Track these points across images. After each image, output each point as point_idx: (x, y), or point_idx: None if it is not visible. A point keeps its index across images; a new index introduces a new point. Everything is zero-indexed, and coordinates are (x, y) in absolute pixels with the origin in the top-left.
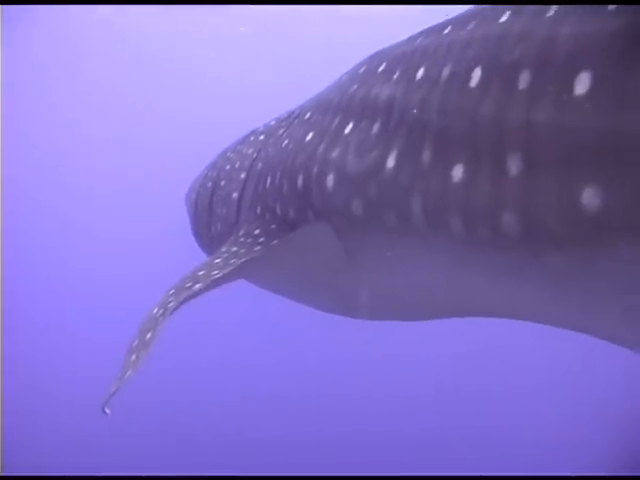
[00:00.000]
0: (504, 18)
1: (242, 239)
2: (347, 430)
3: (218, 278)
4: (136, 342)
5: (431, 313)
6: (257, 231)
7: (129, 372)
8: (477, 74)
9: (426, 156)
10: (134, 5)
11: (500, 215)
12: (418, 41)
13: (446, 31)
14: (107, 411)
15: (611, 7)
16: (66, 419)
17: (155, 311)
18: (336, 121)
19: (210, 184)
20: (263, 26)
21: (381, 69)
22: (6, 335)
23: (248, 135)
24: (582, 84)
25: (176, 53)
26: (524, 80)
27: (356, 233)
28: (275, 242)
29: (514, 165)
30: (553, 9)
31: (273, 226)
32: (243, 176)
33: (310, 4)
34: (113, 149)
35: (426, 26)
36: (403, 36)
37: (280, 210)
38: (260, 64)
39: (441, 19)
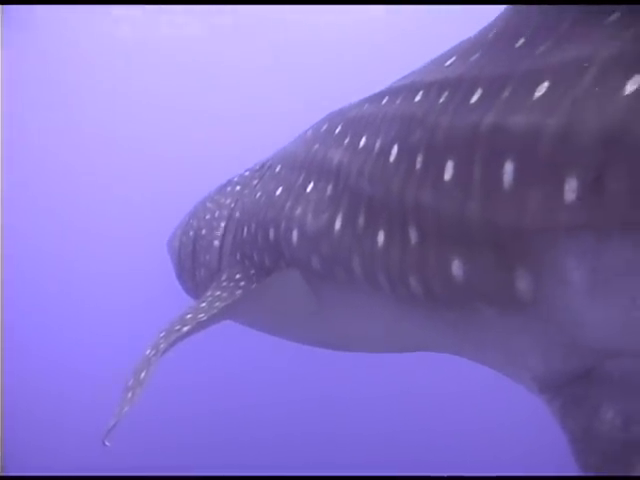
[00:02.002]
0: (418, 97)
1: (225, 283)
2: (334, 432)
3: (204, 321)
4: (131, 381)
5: (384, 349)
6: (238, 275)
7: (126, 408)
8: (394, 151)
9: (361, 221)
10: (135, 5)
11: (408, 277)
12: (365, 107)
13: (384, 101)
14: (107, 444)
15: (475, 99)
16: (66, 419)
17: (148, 352)
18: (300, 179)
19: (192, 233)
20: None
21: (337, 131)
22: (6, 333)
23: (225, 185)
24: (448, 171)
25: (178, 54)
26: (419, 162)
27: (319, 282)
28: (254, 286)
29: (413, 236)
30: (444, 95)
31: (252, 271)
32: (223, 225)
33: (310, 4)
34: (115, 152)
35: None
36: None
37: (257, 258)
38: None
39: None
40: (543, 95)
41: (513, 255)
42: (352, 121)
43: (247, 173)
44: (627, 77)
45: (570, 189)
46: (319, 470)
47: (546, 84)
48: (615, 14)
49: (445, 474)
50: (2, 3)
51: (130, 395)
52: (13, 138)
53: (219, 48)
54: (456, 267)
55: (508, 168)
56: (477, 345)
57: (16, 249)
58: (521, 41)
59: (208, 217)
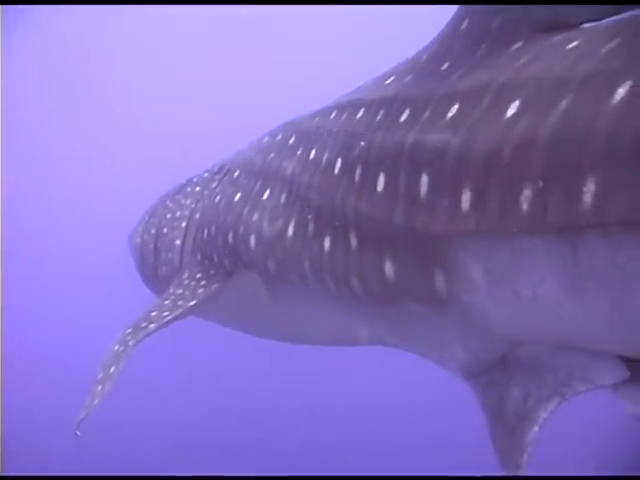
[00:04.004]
0: (360, 114)
1: (186, 282)
2: (320, 432)
3: (169, 320)
4: (101, 375)
5: (334, 343)
6: (199, 275)
7: (96, 401)
8: (338, 163)
9: (310, 228)
10: (134, 5)
11: (350, 278)
12: (316, 120)
13: (332, 116)
14: (78, 433)
15: (404, 118)
16: (67, 419)
17: (116, 348)
18: (257, 186)
19: (153, 230)
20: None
21: (291, 142)
22: (6, 332)
23: (184, 185)
24: (380, 183)
25: (181, 56)
26: (357, 175)
27: (275, 283)
28: (215, 286)
29: (353, 241)
30: (381, 113)
31: (212, 271)
32: (184, 225)
33: (310, 4)
34: (115, 153)
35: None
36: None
37: (217, 259)
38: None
39: None
40: (453, 117)
41: (430, 257)
42: (304, 133)
43: (206, 174)
44: (510, 101)
45: (465, 199)
46: (307, 471)
47: (456, 106)
48: (518, 43)
49: (441, 474)
50: (2, 3)
51: (100, 388)
52: (13, 137)
53: (219, 46)
54: (388, 268)
55: (424, 180)
56: (411, 338)
57: (16, 246)
58: (445, 65)
59: (169, 216)
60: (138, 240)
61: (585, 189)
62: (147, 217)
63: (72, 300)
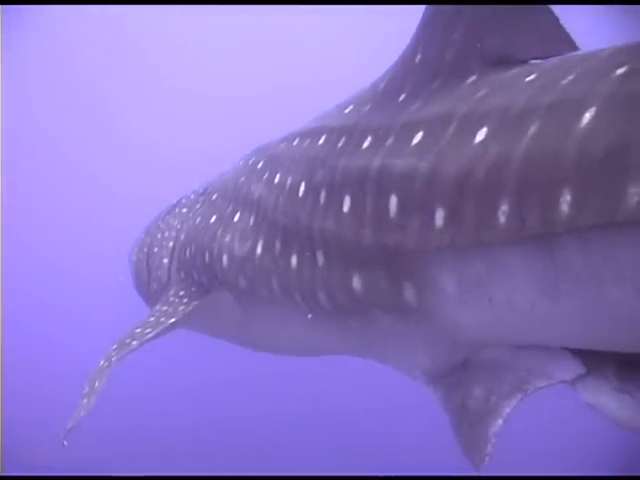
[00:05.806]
0: (321, 141)
1: (171, 299)
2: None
3: (150, 337)
4: (87, 389)
5: (302, 353)
6: (182, 292)
7: (82, 413)
8: (302, 187)
9: (277, 247)
10: (135, 5)
11: (317, 293)
12: (281, 146)
13: (295, 143)
14: (65, 443)
15: (366, 145)
16: (66, 419)
17: (101, 363)
18: (230, 208)
19: (146, 249)
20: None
21: (260, 166)
22: (6, 332)
23: (174, 205)
24: (346, 205)
25: (182, 56)
26: (322, 197)
27: (245, 299)
28: (195, 303)
29: (320, 258)
30: (342, 140)
31: (194, 289)
32: (171, 244)
33: (310, 4)
34: (116, 151)
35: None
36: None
37: (197, 277)
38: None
39: None
40: (418, 143)
41: (400, 271)
42: (270, 158)
43: (192, 196)
44: (477, 128)
45: (439, 217)
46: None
47: (420, 134)
48: (472, 76)
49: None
50: (2, 3)
51: (86, 401)
52: (13, 137)
53: (219, 44)
54: (356, 283)
55: (393, 201)
56: (378, 347)
57: (16, 248)
58: (403, 96)
59: (159, 236)
60: (134, 257)
61: (561, 199)
62: (143, 235)
63: (76, 307)
